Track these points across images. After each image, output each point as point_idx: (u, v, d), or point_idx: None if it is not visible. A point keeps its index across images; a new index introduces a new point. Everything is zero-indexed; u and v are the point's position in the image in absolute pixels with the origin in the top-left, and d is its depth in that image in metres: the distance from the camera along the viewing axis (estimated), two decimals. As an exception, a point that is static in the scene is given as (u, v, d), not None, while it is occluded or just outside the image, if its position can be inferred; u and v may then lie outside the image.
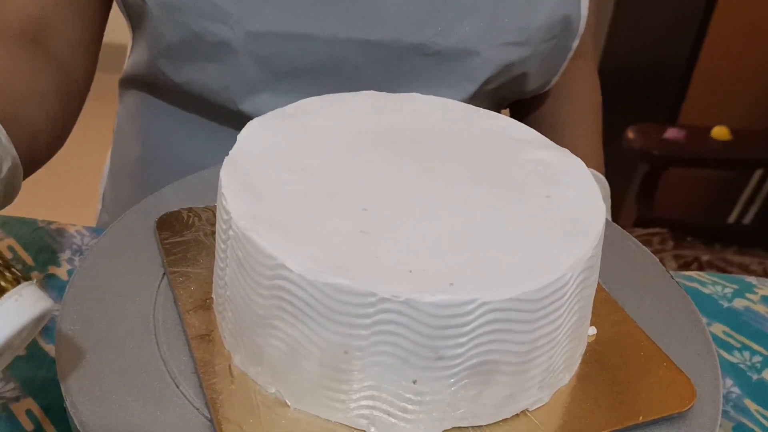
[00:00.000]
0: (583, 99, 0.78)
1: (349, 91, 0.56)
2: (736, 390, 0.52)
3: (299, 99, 0.59)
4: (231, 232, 0.38)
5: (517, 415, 0.40)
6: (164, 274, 0.47)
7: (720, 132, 1.58)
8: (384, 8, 0.60)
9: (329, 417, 0.38)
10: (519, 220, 0.40)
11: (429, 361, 0.36)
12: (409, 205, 0.41)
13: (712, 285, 0.62)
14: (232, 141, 0.50)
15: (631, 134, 1.56)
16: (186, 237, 0.49)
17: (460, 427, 0.38)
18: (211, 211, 0.52)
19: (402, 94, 0.50)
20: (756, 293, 0.62)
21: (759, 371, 0.54)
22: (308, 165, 0.43)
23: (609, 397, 0.41)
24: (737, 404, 0.51)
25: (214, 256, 0.46)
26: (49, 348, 0.51)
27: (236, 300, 0.39)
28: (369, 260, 0.36)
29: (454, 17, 0.61)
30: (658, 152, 1.57)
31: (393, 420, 0.38)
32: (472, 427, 0.39)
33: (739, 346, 0.56)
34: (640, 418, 0.40)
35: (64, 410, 0.39)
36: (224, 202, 0.39)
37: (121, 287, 0.45)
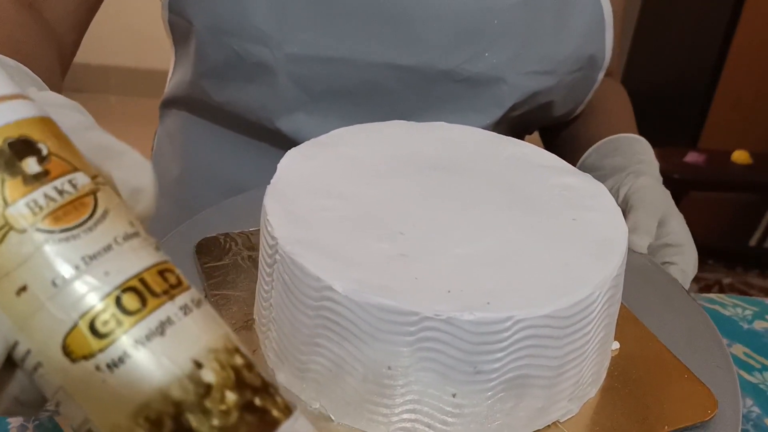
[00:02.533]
0: (618, 113, 0.79)
1: (383, 113, 0.59)
2: (756, 409, 0.54)
3: (335, 119, 0.63)
4: (277, 257, 0.41)
5: (548, 426, 0.42)
6: (205, 296, 0.49)
7: (740, 156, 1.59)
8: (418, 36, 0.63)
9: (372, 431, 0.40)
10: (548, 241, 0.43)
11: (468, 375, 0.38)
12: (443, 228, 0.43)
13: (733, 307, 0.64)
14: (268, 158, 0.53)
15: (651, 157, 1.57)
16: (225, 261, 0.51)
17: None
18: (246, 236, 0.54)
19: (428, 123, 0.53)
20: (775, 315, 0.62)
21: (778, 392, 0.55)
22: (346, 191, 0.45)
23: (634, 408, 0.43)
24: (757, 423, 0.53)
25: (254, 279, 0.48)
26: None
27: (281, 320, 0.41)
28: (410, 281, 0.39)
29: (483, 46, 0.64)
30: (679, 176, 1.59)
31: (433, 432, 0.40)
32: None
33: (759, 366, 0.57)
34: (666, 427, 0.42)
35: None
36: (269, 228, 0.42)
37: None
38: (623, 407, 0.43)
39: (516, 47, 0.64)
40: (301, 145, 0.49)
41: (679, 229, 0.61)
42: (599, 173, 0.69)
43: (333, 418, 0.41)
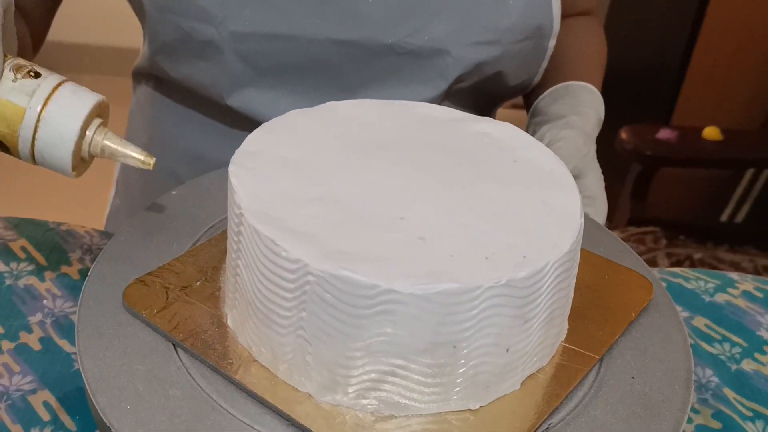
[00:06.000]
0: (583, 60, 0.79)
1: (329, 87, 0.64)
2: (715, 379, 0.56)
3: (283, 95, 0.67)
4: (310, 278, 0.39)
5: (558, 348, 0.46)
6: (176, 353, 0.44)
7: (711, 132, 1.62)
8: (359, 10, 0.63)
9: (436, 411, 0.41)
10: (515, 187, 0.46)
11: (518, 327, 0.41)
12: (427, 202, 0.44)
13: (695, 280, 0.65)
14: (222, 133, 0.63)
15: (624, 135, 1.58)
16: (170, 305, 0.46)
17: (532, 374, 0.44)
18: (161, 273, 0.49)
19: (320, 106, 0.52)
20: (737, 288, 0.65)
21: (738, 362, 0.58)
22: (320, 194, 0.44)
23: (599, 309, 0.49)
24: (716, 393, 0.55)
25: (212, 313, 0.46)
26: (63, 342, 0.54)
27: (323, 340, 0.40)
28: (448, 260, 0.40)
29: (426, 19, 0.65)
30: (651, 152, 1.59)
31: (489, 389, 0.42)
32: (539, 370, 0.45)
33: (719, 338, 0.60)
34: (632, 314, 0.49)
35: (80, 401, 0.46)
36: (285, 254, 0.39)
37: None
38: (591, 310, 0.49)
39: (459, 19, 0.65)
40: (235, 156, 0.46)
41: (594, 183, 0.66)
42: (542, 118, 0.70)
43: (395, 414, 0.41)
